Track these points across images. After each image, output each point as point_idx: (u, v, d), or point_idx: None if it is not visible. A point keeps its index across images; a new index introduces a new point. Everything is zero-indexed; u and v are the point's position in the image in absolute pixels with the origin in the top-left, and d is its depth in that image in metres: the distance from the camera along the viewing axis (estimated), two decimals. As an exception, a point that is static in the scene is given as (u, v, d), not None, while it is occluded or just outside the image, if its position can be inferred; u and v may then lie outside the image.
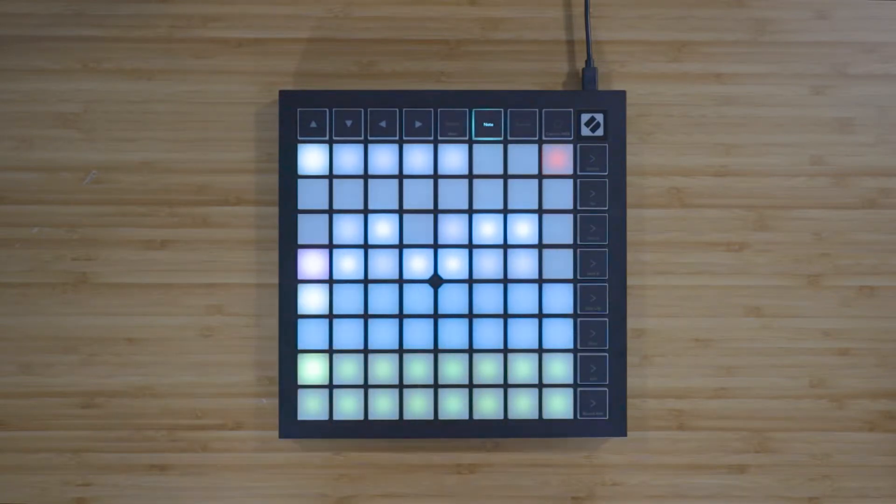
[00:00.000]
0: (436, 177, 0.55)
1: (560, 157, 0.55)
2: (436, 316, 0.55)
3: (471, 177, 0.55)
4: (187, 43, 0.57)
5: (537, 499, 0.57)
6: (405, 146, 0.55)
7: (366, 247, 0.55)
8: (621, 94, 0.55)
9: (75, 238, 0.57)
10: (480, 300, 0.55)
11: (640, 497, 0.57)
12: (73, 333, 0.57)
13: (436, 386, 0.55)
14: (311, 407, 0.55)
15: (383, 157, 0.55)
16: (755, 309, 0.57)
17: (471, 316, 0.55)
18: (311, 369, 0.55)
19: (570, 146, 0.55)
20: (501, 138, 0.55)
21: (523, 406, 0.55)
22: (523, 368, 0.55)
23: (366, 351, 0.55)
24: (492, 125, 0.55)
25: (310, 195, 0.55)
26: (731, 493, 0.57)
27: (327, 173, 0.55)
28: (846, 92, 0.57)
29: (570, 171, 0.55)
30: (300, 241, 0.55)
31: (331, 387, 0.55)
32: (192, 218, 0.57)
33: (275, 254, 0.57)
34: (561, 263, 0.55)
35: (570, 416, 0.55)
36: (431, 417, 0.55)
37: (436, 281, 0.55)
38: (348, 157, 0.55)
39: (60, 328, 0.57)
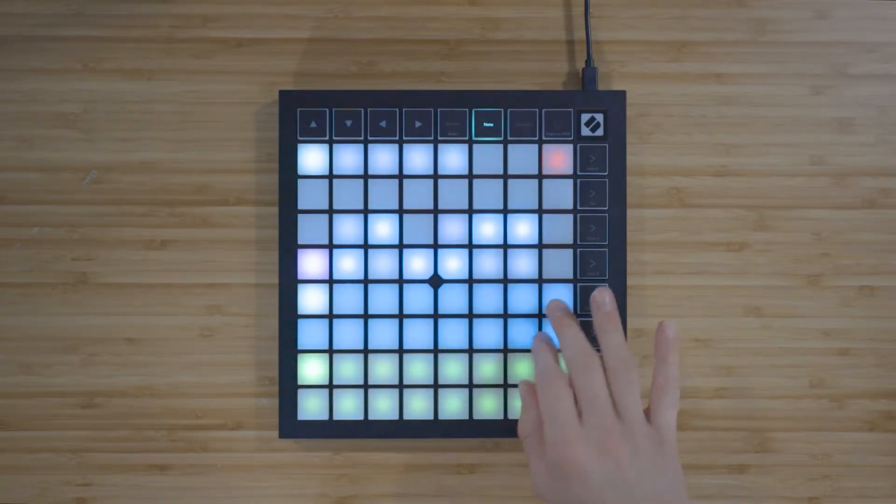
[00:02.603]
0: (436, 177, 0.55)
1: (560, 157, 0.55)
2: (436, 316, 0.55)
3: (471, 177, 0.55)
4: (187, 43, 0.57)
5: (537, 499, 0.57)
6: (405, 146, 0.55)
7: (366, 247, 0.55)
8: (621, 94, 0.55)
9: (75, 238, 0.57)
10: (480, 300, 0.55)
11: (640, 497, 0.57)
12: (73, 333, 0.57)
13: (436, 386, 0.55)
14: (311, 407, 0.55)
15: (383, 157, 0.55)
16: (755, 309, 0.57)
17: (471, 316, 0.55)
18: (311, 369, 0.55)
19: (570, 146, 0.55)
20: (501, 138, 0.55)
21: (523, 406, 0.55)
22: (524, 368, 0.55)
23: (366, 351, 0.55)
24: (492, 125, 0.55)
25: (310, 195, 0.55)
26: (731, 493, 0.57)
27: (327, 173, 0.55)
28: (846, 92, 0.57)
29: (570, 171, 0.55)
30: (300, 241, 0.55)
31: (331, 387, 0.55)
32: (192, 218, 0.57)
33: (275, 254, 0.57)
34: (561, 263, 0.55)
35: (570, 416, 0.55)
36: (431, 417, 0.55)
37: (436, 281, 0.55)
38: (348, 157, 0.55)
39: (60, 328, 0.57)
